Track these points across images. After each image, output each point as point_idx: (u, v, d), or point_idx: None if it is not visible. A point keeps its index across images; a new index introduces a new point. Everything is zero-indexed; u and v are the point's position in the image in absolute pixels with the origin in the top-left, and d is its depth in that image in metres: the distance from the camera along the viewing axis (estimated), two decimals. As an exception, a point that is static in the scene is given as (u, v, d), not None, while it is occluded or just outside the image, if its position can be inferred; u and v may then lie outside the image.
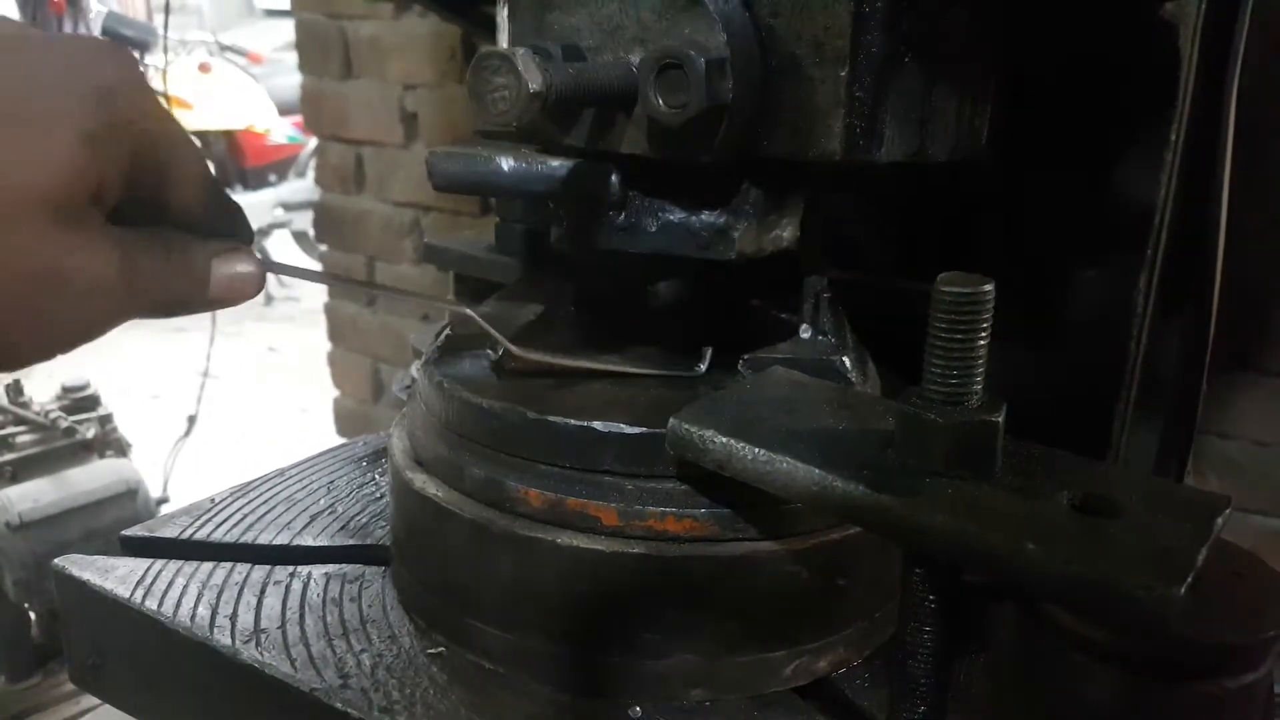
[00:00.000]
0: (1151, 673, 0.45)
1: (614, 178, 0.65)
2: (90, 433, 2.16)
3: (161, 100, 0.46)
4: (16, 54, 0.40)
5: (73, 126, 0.39)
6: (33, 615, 2.11)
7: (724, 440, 0.55)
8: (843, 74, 0.58)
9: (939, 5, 0.61)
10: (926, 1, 0.60)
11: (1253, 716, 0.47)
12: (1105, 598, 0.43)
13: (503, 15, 0.71)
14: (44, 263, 0.40)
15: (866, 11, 0.57)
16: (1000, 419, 0.50)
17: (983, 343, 0.50)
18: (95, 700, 2.04)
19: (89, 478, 2.10)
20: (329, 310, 2.32)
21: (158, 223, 0.46)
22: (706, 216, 0.65)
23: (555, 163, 0.65)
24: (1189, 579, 0.42)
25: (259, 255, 0.51)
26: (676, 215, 0.65)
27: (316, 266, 2.51)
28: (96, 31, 4.42)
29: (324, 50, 2.10)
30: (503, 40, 0.69)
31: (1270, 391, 1.27)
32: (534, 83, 0.51)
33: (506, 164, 0.63)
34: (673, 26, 0.57)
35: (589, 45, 0.60)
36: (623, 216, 0.65)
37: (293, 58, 2.21)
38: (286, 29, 2.26)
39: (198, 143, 0.50)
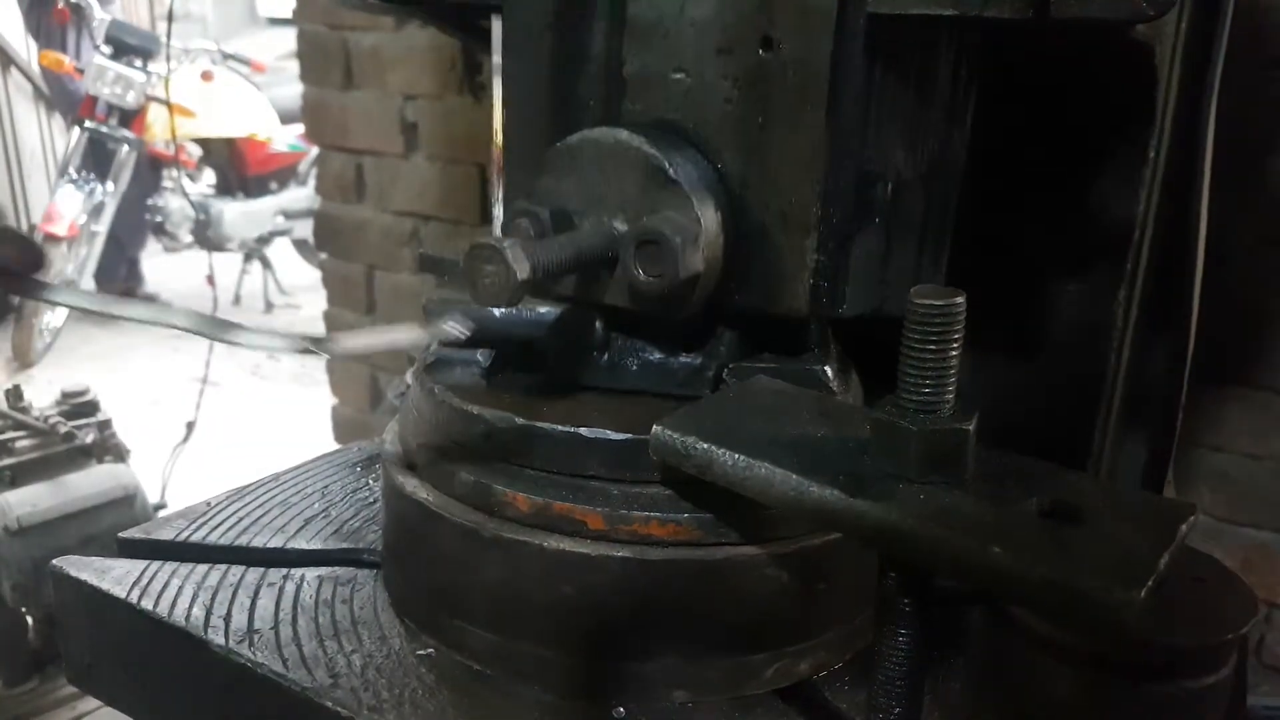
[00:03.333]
0: (1114, 674, 0.46)
1: (597, 323, 0.70)
2: (89, 438, 2.17)
3: None
4: None
5: None
6: (30, 620, 2.11)
7: (705, 446, 0.56)
8: (808, 242, 0.63)
9: (900, 184, 0.66)
10: (888, 179, 0.65)
11: (1214, 717, 0.48)
12: (1069, 601, 0.44)
13: (496, 29, 0.73)
14: None
15: (831, 189, 0.62)
16: (971, 427, 0.52)
17: (955, 353, 0.51)
18: (93, 704, 2.04)
19: (87, 483, 2.10)
20: (328, 318, 2.33)
21: None
22: (684, 358, 0.70)
23: (543, 309, 0.70)
24: (1150, 583, 0.44)
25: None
26: (656, 356, 0.70)
27: (316, 274, 2.52)
28: (100, 40, 4.45)
29: (326, 60, 2.12)
30: (496, 58, 0.72)
31: (1261, 405, 1.28)
32: (521, 271, 0.56)
33: (498, 312, 0.69)
34: (652, 201, 0.63)
35: (575, 209, 0.65)
36: (605, 357, 0.70)
37: (295, 66, 2.23)
38: (289, 38, 2.28)
39: None
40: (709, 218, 0.62)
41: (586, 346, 0.70)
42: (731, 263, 0.65)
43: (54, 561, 0.74)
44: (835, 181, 0.62)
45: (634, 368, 0.70)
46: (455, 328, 0.60)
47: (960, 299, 0.50)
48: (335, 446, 1.07)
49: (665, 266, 0.60)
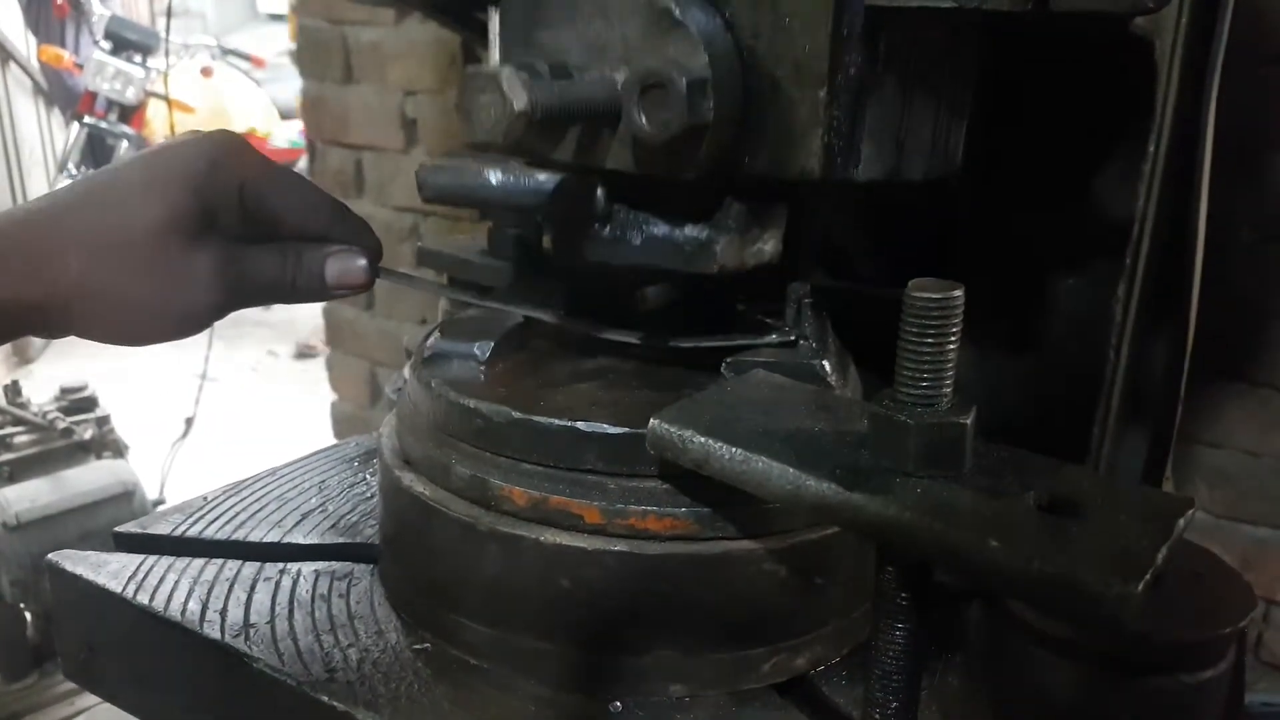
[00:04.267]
0: (1111, 668, 0.46)
1: (599, 192, 0.66)
2: (88, 434, 2.17)
3: (263, 157, 0.62)
4: (156, 151, 0.60)
5: (181, 184, 0.57)
6: (29, 615, 2.12)
7: (702, 440, 0.56)
8: (821, 94, 0.59)
9: (915, 28, 0.62)
10: (903, 24, 0.61)
11: (1212, 711, 0.48)
12: (1066, 595, 0.44)
13: (494, 26, 0.73)
14: (161, 268, 0.57)
15: (845, 34, 0.59)
16: (969, 421, 0.52)
17: (953, 347, 0.51)
18: (91, 700, 2.04)
19: (86, 479, 2.11)
20: (327, 314, 2.33)
21: (280, 235, 0.62)
22: (690, 230, 0.66)
23: (542, 177, 0.66)
24: (1147, 577, 0.44)
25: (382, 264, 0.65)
26: (660, 229, 0.67)
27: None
28: (99, 35, 4.45)
29: (325, 55, 2.12)
30: (494, 51, 0.71)
31: (1261, 402, 1.28)
32: (519, 101, 0.53)
33: (494, 177, 0.65)
34: (657, 47, 0.59)
35: (576, 63, 0.62)
36: (608, 229, 0.67)
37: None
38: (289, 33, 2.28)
39: (304, 179, 0.64)
40: (718, 65, 0.58)
41: (588, 217, 0.66)
42: (741, 119, 0.61)
43: (50, 556, 0.74)
44: (850, 29, 0.58)
45: (637, 241, 0.67)
46: None
47: (959, 292, 0.50)
48: (333, 442, 1.07)
49: (671, 113, 0.56)
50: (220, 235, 0.59)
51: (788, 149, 0.61)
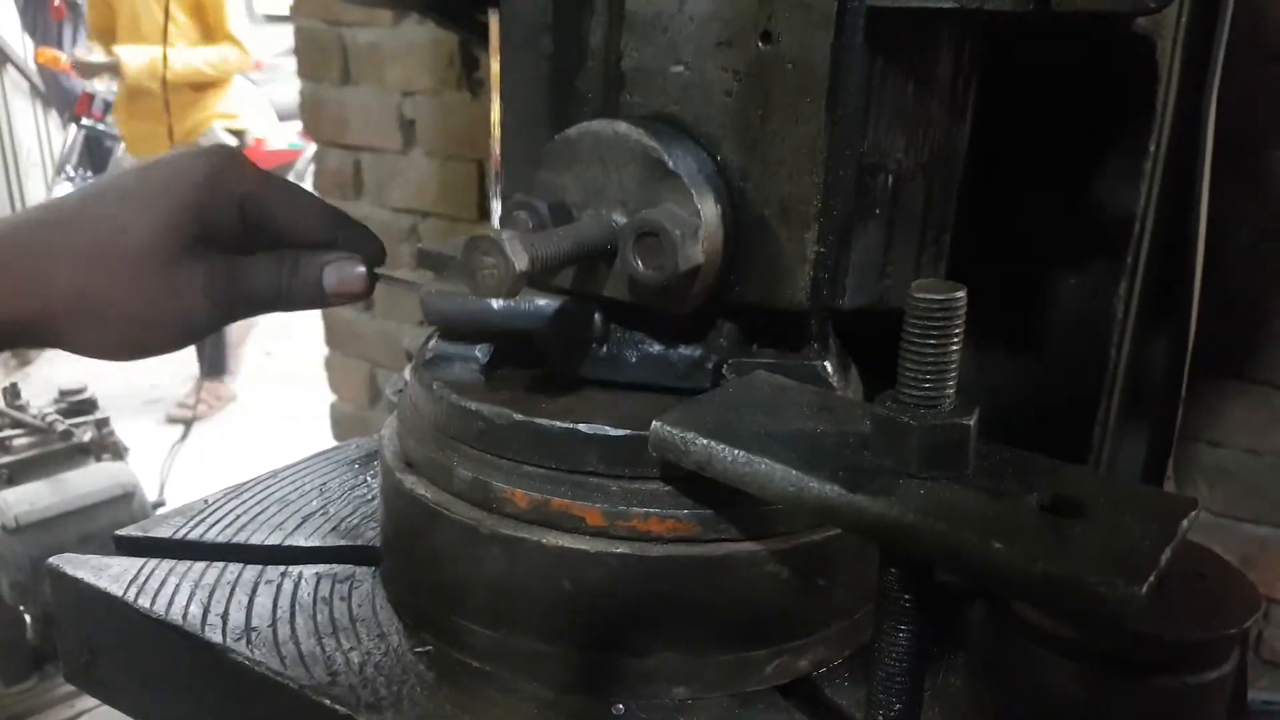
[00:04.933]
0: (1115, 668, 0.46)
1: (597, 316, 0.69)
2: (87, 436, 2.17)
3: (262, 170, 0.62)
4: (153, 164, 0.60)
5: (177, 197, 0.57)
6: (28, 618, 2.11)
7: (704, 442, 0.56)
8: (808, 235, 0.63)
9: (900, 176, 0.66)
10: (889, 171, 0.65)
11: (1215, 712, 0.48)
12: (1070, 595, 0.44)
13: (494, 27, 0.73)
14: (154, 281, 0.57)
15: (831, 182, 0.62)
16: (972, 422, 0.51)
17: (955, 348, 0.51)
18: (91, 703, 2.05)
19: (85, 481, 2.10)
20: (326, 315, 2.33)
21: (280, 246, 0.63)
22: (684, 350, 0.69)
23: (542, 302, 0.69)
24: (1151, 578, 0.43)
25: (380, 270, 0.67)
26: (655, 348, 0.69)
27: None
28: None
29: (323, 56, 2.12)
30: (494, 56, 0.72)
31: (1260, 400, 1.28)
32: (520, 263, 0.56)
33: (496, 304, 0.69)
34: (651, 193, 0.62)
35: (574, 201, 0.65)
36: (605, 349, 0.70)
37: (292, 64, 2.23)
38: (286, 35, 2.28)
39: (302, 189, 0.66)
40: (709, 210, 0.62)
41: (586, 339, 0.69)
42: (732, 255, 0.64)
43: (51, 559, 0.74)
44: (836, 174, 0.62)
45: (633, 360, 0.69)
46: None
47: (961, 293, 0.50)
48: (333, 444, 1.07)
49: (665, 259, 0.60)
50: (217, 248, 0.60)
51: (776, 282, 0.65)
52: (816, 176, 0.61)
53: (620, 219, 0.63)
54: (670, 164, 0.61)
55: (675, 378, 0.69)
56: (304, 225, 0.64)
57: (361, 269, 0.64)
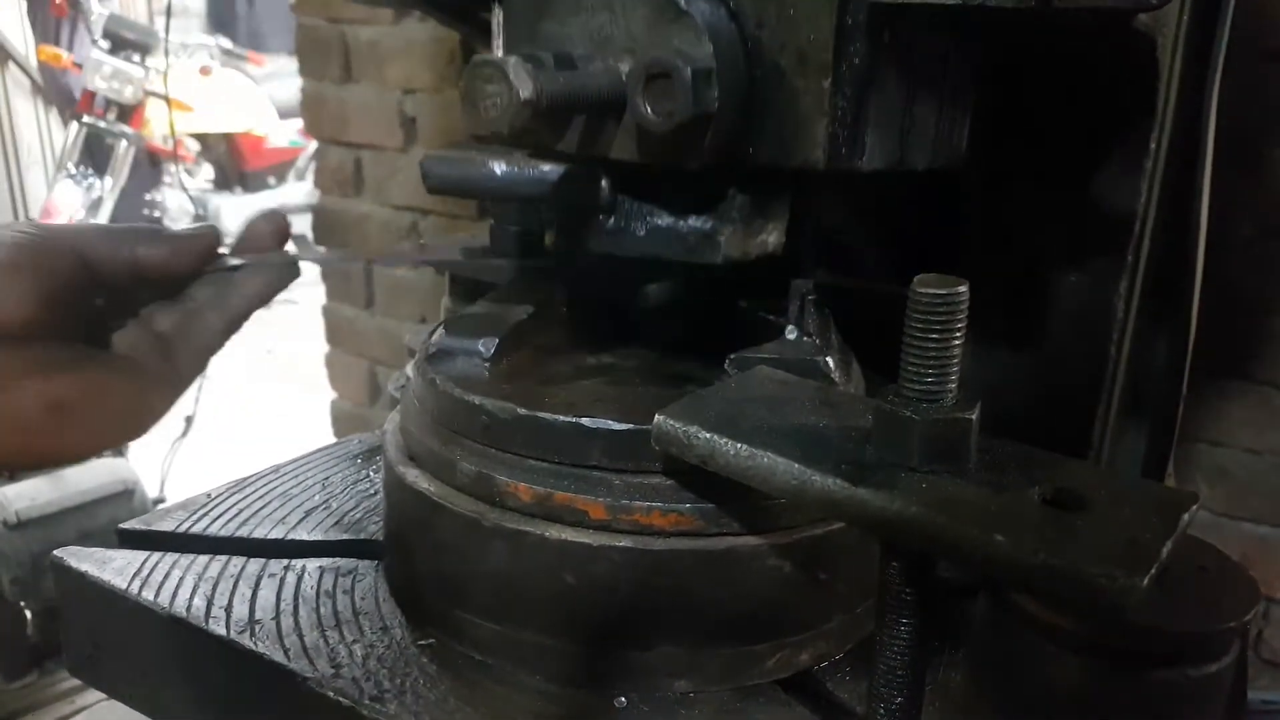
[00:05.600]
0: (1116, 661, 0.46)
1: (603, 182, 0.66)
2: (88, 432, 2.17)
3: (96, 229, 0.57)
4: None
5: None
6: (29, 614, 2.12)
7: (707, 436, 0.56)
8: (826, 84, 0.59)
9: (921, 20, 0.62)
10: (909, 15, 0.61)
11: (1216, 705, 0.48)
12: (1071, 588, 0.44)
13: (497, 21, 0.73)
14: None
15: (850, 24, 0.59)
16: (974, 416, 0.52)
17: (957, 343, 0.51)
18: (91, 699, 2.04)
19: (86, 477, 2.10)
20: (326, 313, 2.33)
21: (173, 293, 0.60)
22: (694, 221, 0.67)
23: (546, 167, 0.66)
24: (1152, 570, 0.44)
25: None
26: (664, 220, 0.67)
27: (314, 270, 2.52)
28: (98, 34, 4.44)
29: (324, 54, 2.12)
30: (497, 46, 0.71)
31: (1261, 399, 1.28)
32: (525, 90, 0.53)
33: (498, 168, 0.65)
34: (661, 37, 0.59)
35: (580, 54, 0.62)
36: (612, 220, 0.67)
37: (293, 62, 2.23)
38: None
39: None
40: (723, 54, 0.58)
41: (592, 207, 0.67)
42: (746, 109, 0.61)
43: (54, 552, 0.74)
44: (854, 17, 0.59)
45: (641, 232, 0.67)
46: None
47: (963, 288, 0.50)
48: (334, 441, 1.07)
49: (676, 102, 0.56)
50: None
51: (792, 138, 0.61)
52: (832, 18, 0.58)
53: (629, 69, 0.59)
54: (682, 3, 0.58)
55: (685, 250, 0.66)
56: (169, 263, 0.59)
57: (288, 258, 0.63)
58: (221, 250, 0.63)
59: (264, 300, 0.63)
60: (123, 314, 0.59)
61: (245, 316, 0.62)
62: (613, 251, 0.67)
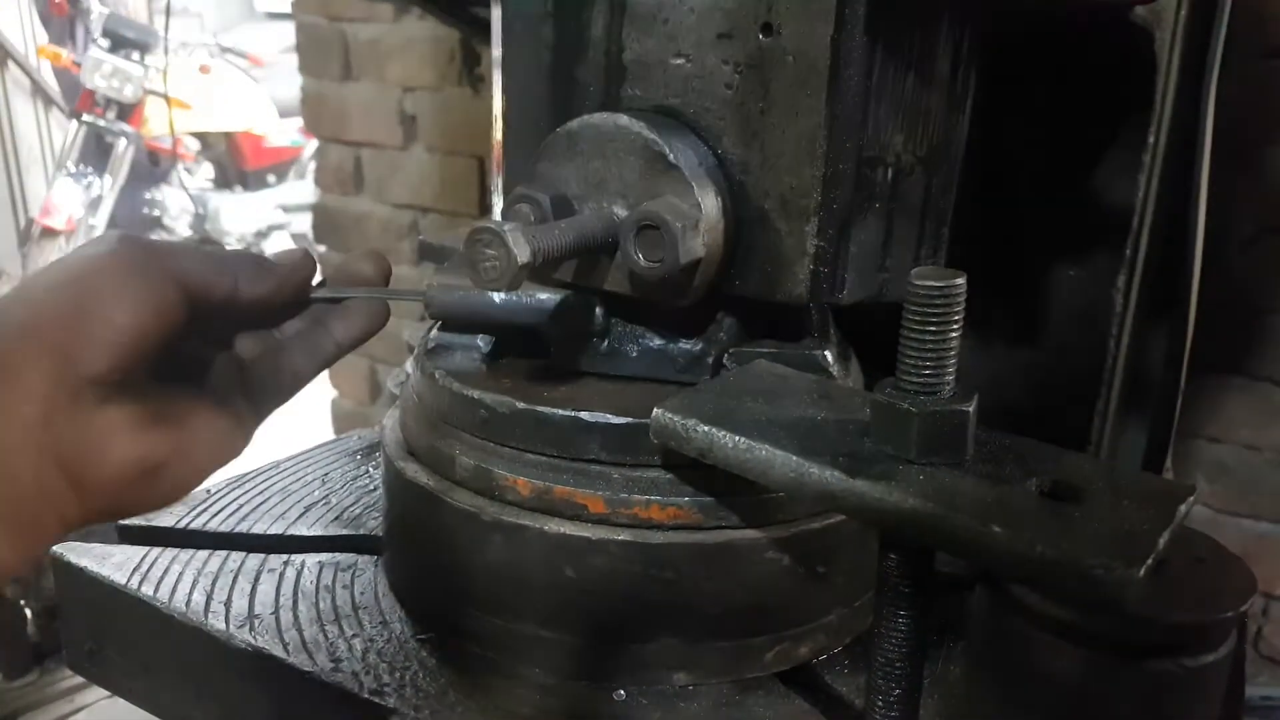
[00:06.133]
0: (1113, 651, 0.46)
1: (598, 309, 0.69)
2: (88, 431, 2.17)
3: (197, 256, 0.50)
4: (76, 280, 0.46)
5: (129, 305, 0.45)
6: (29, 613, 2.11)
7: (706, 428, 0.56)
8: (807, 229, 0.63)
9: (900, 169, 0.66)
10: (888, 164, 0.66)
11: (1213, 695, 0.48)
12: (1069, 578, 0.44)
13: (495, 20, 0.73)
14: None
15: (831, 175, 0.62)
16: (971, 408, 0.52)
17: (955, 335, 0.51)
18: (92, 697, 2.04)
19: (86, 475, 2.10)
20: (327, 311, 2.33)
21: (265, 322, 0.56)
22: (684, 344, 0.69)
23: (544, 295, 0.70)
24: (1149, 561, 0.44)
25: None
26: (656, 342, 0.70)
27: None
28: (97, 33, 4.44)
29: (324, 53, 2.12)
30: (495, 50, 0.72)
31: (1261, 396, 1.28)
32: (522, 255, 0.56)
33: (498, 299, 0.69)
34: (652, 186, 0.63)
35: (575, 194, 0.65)
36: (605, 344, 0.70)
37: (294, 60, 2.23)
38: (286, 31, 2.29)
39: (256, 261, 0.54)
40: (709, 203, 0.62)
41: (587, 333, 0.70)
42: (732, 249, 0.65)
43: (54, 548, 0.75)
44: (835, 167, 0.62)
45: (634, 354, 0.70)
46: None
47: (961, 280, 0.50)
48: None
49: (665, 252, 0.60)
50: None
51: (776, 275, 0.65)
52: (816, 169, 0.62)
53: (621, 212, 0.63)
54: (671, 157, 0.62)
55: (675, 371, 0.69)
56: (263, 293, 0.53)
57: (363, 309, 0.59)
58: (317, 279, 0.58)
59: (356, 343, 0.59)
60: (213, 348, 0.54)
61: (335, 359, 0.58)
62: (607, 372, 0.70)
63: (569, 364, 0.70)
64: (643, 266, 0.61)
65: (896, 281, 0.69)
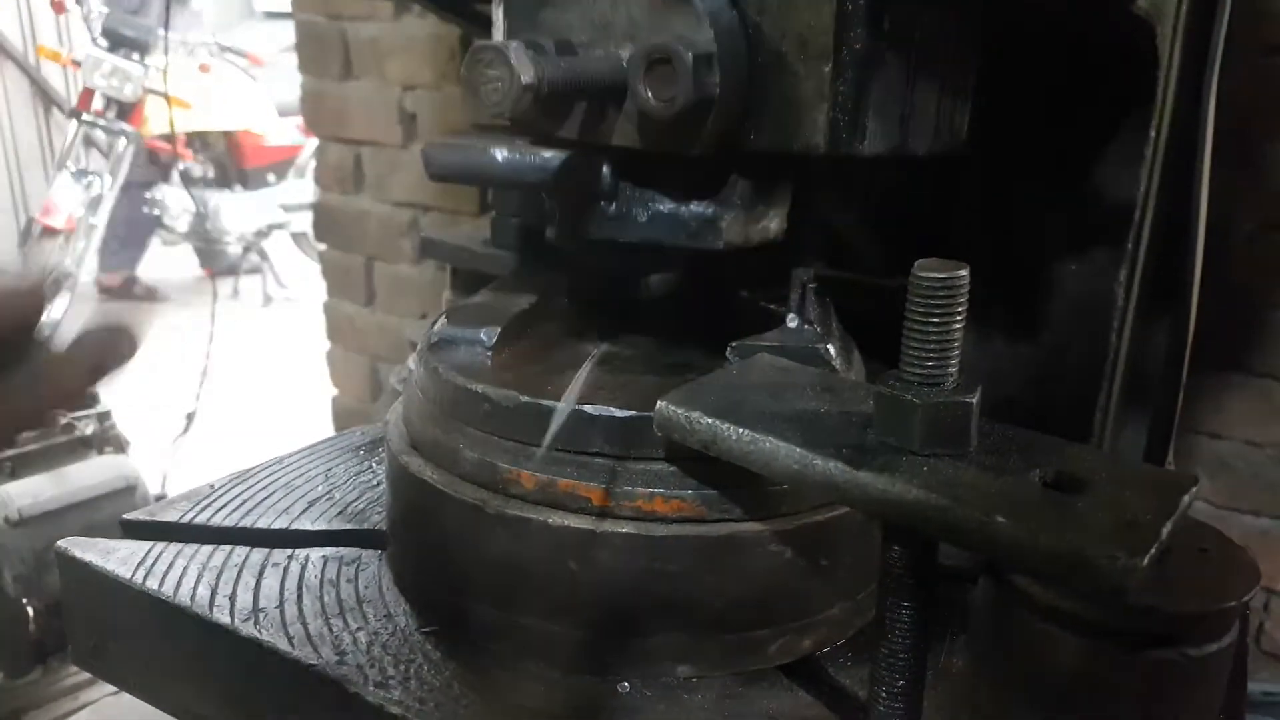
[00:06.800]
0: (1116, 641, 0.46)
1: (605, 169, 0.67)
2: (89, 429, 2.17)
3: None
4: None
5: None
6: (31, 611, 2.11)
7: (709, 421, 0.57)
8: (826, 69, 0.60)
9: (920, 3, 0.63)
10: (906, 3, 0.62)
11: (1216, 685, 0.48)
12: (1072, 568, 0.44)
13: (498, 12, 0.73)
14: None
15: (849, 9, 0.59)
16: (974, 400, 0.52)
17: (958, 326, 0.51)
18: (94, 696, 2.04)
19: (88, 474, 2.10)
20: (327, 309, 2.33)
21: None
22: (695, 207, 0.67)
23: (548, 154, 0.66)
24: (1153, 551, 0.44)
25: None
26: (666, 205, 0.67)
27: (314, 268, 2.52)
28: (97, 32, 4.43)
29: (324, 51, 2.12)
30: (498, 36, 0.72)
31: (1261, 392, 1.28)
32: (526, 75, 0.53)
33: (500, 154, 0.66)
34: (662, 23, 0.59)
35: (581, 41, 0.62)
36: (613, 207, 0.67)
37: (294, 60, 2.23)
38: (285, 31, 2.29)
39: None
40: (724, 40, 0.59)
41: (594, 195, 0.67)
42: (746, 95, 0.61)
43: (59, 543, 0.75)
44: (854, 3, 0.59)
45: (643, 218, 0.67)
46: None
47: (964, 271, 0.50)
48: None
49: (677, 88, 0.56)
50: None
51: (793, 124, 0.61)
52: (832, 4, 0.59)
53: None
54: None
55: (687, 235, 0.66)
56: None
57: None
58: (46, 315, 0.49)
59: (90, 384, 0.51)
60: None
61: (62, 404, 0.50)
62: (614, 237, 0.67)
63: (575, 228, 0.67)
64: (653, 105, 0.57)
65: (918, 133, 0.66)
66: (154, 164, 5.20)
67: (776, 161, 0.65)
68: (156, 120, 4.66)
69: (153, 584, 0.70)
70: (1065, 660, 0.48)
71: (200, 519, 0.78)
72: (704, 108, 0.58)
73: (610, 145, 0.63)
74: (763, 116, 0.62)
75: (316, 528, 0.78)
